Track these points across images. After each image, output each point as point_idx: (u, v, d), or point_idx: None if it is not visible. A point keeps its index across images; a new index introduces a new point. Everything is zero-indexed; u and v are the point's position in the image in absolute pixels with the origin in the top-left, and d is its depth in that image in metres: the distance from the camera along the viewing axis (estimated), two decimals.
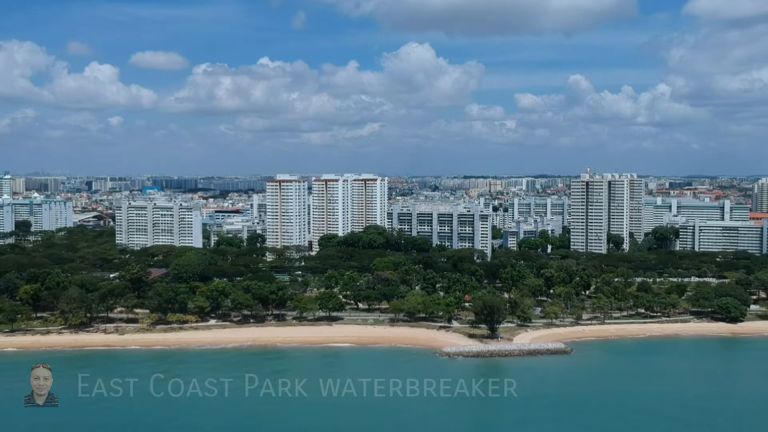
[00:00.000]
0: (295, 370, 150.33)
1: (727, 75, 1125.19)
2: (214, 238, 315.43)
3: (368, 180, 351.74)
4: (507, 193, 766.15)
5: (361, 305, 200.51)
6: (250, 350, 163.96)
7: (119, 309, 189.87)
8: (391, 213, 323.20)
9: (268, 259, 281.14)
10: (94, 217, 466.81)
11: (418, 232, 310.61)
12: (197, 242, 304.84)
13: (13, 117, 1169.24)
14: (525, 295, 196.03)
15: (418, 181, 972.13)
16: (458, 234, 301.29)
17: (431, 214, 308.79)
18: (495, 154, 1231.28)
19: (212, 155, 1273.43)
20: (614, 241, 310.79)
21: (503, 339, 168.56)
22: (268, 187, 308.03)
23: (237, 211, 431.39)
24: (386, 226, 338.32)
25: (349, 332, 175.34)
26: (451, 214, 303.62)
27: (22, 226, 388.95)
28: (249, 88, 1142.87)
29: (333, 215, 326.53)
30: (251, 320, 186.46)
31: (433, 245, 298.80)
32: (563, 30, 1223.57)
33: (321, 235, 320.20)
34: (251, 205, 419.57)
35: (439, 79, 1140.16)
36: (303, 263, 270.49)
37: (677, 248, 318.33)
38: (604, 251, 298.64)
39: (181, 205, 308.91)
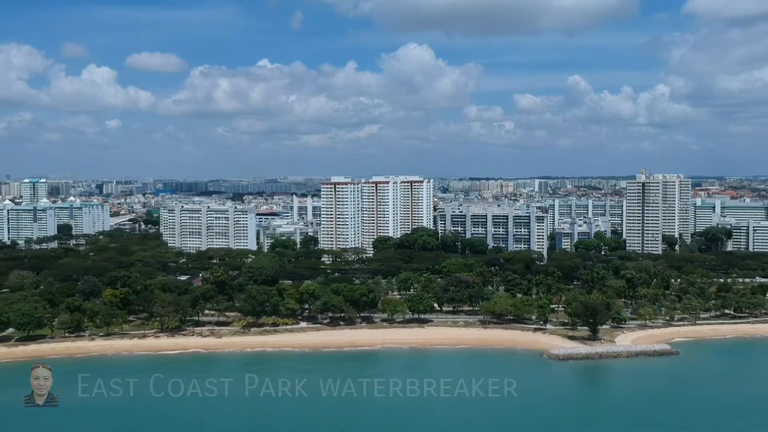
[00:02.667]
0: (403, 371, 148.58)
1: (728, 75, 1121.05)
2: (267, 241, 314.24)
3: (414, 182, 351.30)
4: (521, 195, 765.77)
5: (443, 307, 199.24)
6: (351, 352, 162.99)
7: (206, 312, 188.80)
8: (444, 215, 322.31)
9: (327, 262, 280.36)
10: (129, 220, 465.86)
11: (472, 234, 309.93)
12: (251, 244, 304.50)
13: (10, 120, 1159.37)
14: (610, 296, 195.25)
15: None
16: (513, 235, 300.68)
17: (485, 215, 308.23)
18: (493, 156, 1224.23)
19: (211, 158, 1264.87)
20: (668, 241, 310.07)
21: (605, 341, 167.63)
22: (323, 189, 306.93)
23: (274, 214, 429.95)
24: (435, 229, 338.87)
25: (446, 334, 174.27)
26: (507, 216, 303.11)
27: (64, 230, 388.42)
28: (247, 90, 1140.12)
29: (384, 217, 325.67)
30: (341, 323, 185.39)
31: (489, 247, 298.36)
32: (564, 30, 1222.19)
33: (372, 237, 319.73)
34: (291, 208, 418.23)
35: (437, 80, 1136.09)
36: (364, 265, 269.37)
37: (729, 249, 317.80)
38: (659, 252, 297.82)
39: (236, 208, 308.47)
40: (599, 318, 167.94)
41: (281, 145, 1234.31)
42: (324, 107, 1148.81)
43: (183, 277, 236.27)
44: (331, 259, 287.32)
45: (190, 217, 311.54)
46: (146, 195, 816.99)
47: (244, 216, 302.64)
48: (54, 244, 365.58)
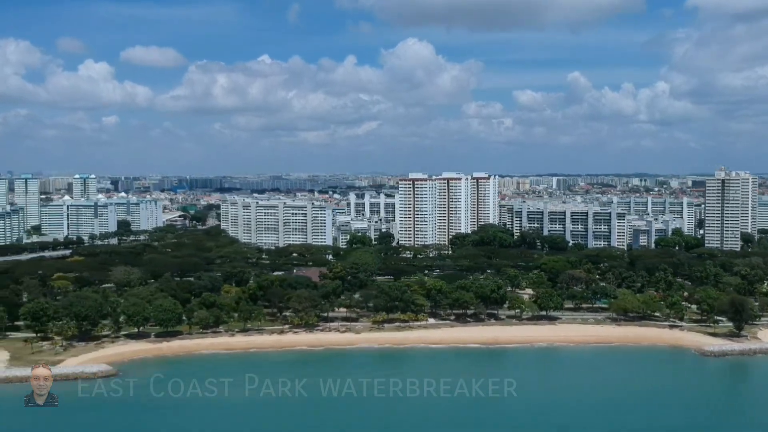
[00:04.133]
0: (578, 370, 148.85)
1: (731, 72, 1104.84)
2: (342, 237, 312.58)
3: (481, 178, 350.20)
4: (539, 192, 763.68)
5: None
6: (498, 349, 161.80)
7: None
8: (519, 211, 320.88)
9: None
10: (179, 216, 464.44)
11: (549, 231, 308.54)
12: (329, 240, 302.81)
13: (6, 116, 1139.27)
14: (729, 293, 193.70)
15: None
16: (593, 232, 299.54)
17: (564, 212, 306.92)
18: (493, 153, 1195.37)
19: (210, 155, 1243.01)
20: (744, 239, 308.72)
21: (750, 337, 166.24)
22: (400, 185, 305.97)
23: None
24: (501, 225, 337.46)
25: (585, 332, 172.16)
26: (586, 213, 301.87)
27: (123, 226, 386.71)
28: (245, 86, 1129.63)
29: (456, 214, 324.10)
30: (468, 319, 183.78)
31: (569, 244, 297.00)
32: (568, 26, 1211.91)
33: (443, 233, 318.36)
34: (348, 204, 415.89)
35: (438, 76, 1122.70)
36: (451, 262, 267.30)
37: None
38: (738, 249, 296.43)
39: (313, 204, 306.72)
40: (745, 314, 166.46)
41: (280, 141, 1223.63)
42: (323, 104, 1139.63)
43: (277, 273, 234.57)
44: (410, 255, 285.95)
45: (265, 213, 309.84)
46: (165, 191, 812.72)
47: (322, 212, 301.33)
48: (114, 240, 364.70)
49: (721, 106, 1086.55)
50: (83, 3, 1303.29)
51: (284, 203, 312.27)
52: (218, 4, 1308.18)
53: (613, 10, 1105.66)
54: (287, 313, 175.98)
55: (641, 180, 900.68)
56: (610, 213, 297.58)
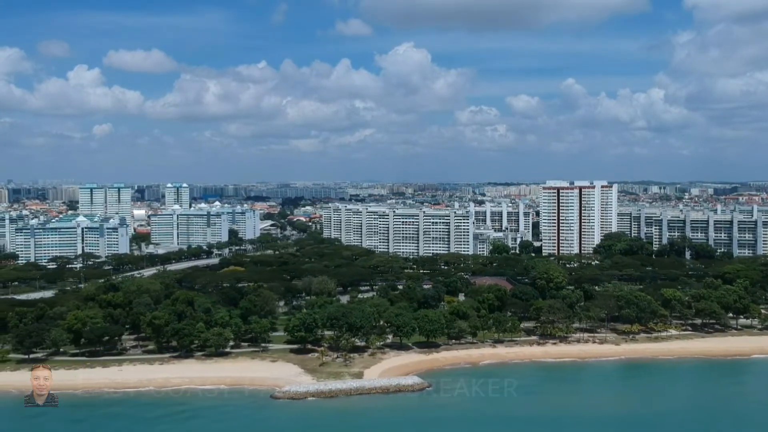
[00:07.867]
0: None
1: (730, 78, 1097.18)
2: (480, 246, 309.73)
3: (604, 186, 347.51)
4: None
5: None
6: None
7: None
8: (661, 220, 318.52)
9: None
10: (271, 225, 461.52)
11: (690, 239, 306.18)
12: (471, 249, 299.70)
13: None
14: None
15: (449, 188, 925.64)
16: (738, 240, 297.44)
17: (707, 221, 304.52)
18: (486, 160, 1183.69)
19: (202, 161, 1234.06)
20: None
21: None
22: (543, 193, 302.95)
23: None
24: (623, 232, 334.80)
25: None
26: (730, 221, 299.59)
27: (232, 235, 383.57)
28: (237, 93, 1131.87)
29: (589, 222, 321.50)
30: (707, 329, 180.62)
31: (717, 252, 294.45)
32: (567, 29, 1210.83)
33: (574, 243, 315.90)
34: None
35: (432, 82, 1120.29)
36: (618, 271, 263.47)
37: None
38: None
39: (455, 213, 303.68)
40: None
41: (271, 149, 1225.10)
42: (316, 111, 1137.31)
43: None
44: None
45: (403, 222, 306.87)
46: (196, 200, 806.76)
47: (465, 221, 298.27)
48: (226, 250, 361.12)
49: (717, 113, 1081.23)
50: (72, 11, 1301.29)
51: (424, 212, 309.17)
52: (206, 13, 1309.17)
53: (613, 11, 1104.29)
54: (526, 324, 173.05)
55: (660, 188, 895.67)
56: (755, 221, 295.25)
